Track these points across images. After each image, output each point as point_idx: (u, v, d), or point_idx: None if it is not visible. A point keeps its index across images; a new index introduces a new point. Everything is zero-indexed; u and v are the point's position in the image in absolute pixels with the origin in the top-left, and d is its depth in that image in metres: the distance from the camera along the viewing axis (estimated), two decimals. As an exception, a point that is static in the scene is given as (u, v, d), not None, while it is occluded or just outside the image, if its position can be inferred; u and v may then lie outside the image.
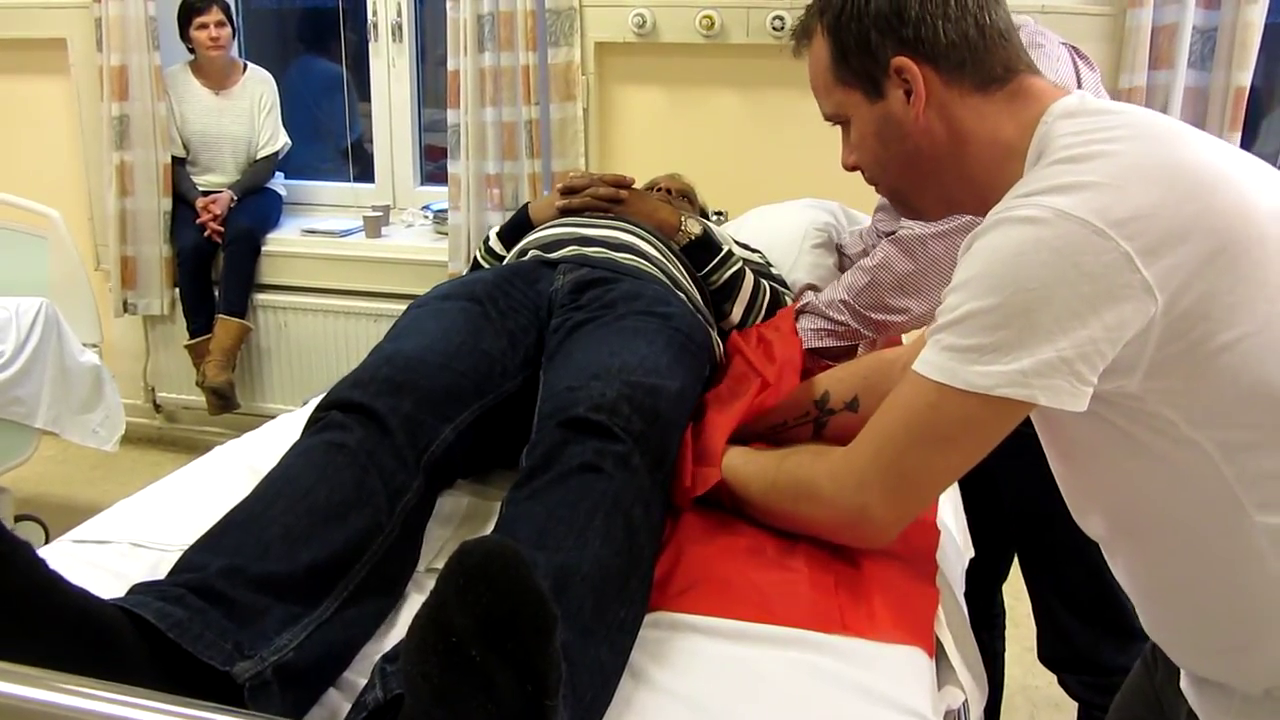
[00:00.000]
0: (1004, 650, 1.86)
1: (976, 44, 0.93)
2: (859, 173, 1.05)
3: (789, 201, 2.20)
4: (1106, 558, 0.99)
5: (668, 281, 1.56)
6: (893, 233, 1.92)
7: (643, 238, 1.65)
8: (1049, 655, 1.60)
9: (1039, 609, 1.58)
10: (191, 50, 3.22)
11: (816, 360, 1.58)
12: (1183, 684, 0.96)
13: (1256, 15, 2.43)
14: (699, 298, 1.65)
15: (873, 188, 1.07)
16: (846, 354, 1.58)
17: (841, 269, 1.98)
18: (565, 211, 1.78)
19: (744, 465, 1.18)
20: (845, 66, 0.99)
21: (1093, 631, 1.50)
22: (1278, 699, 0.86)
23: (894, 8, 0.94)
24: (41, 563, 0.77)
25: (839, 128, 1.05)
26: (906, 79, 0.94)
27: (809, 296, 1.63)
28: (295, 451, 1.09)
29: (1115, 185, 0.79)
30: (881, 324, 1.55)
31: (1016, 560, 1.67)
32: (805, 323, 1.59)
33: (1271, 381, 0.79)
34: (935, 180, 0.98)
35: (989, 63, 0.94)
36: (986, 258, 0.83)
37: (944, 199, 1.01)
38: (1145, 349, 0.79)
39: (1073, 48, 1.50)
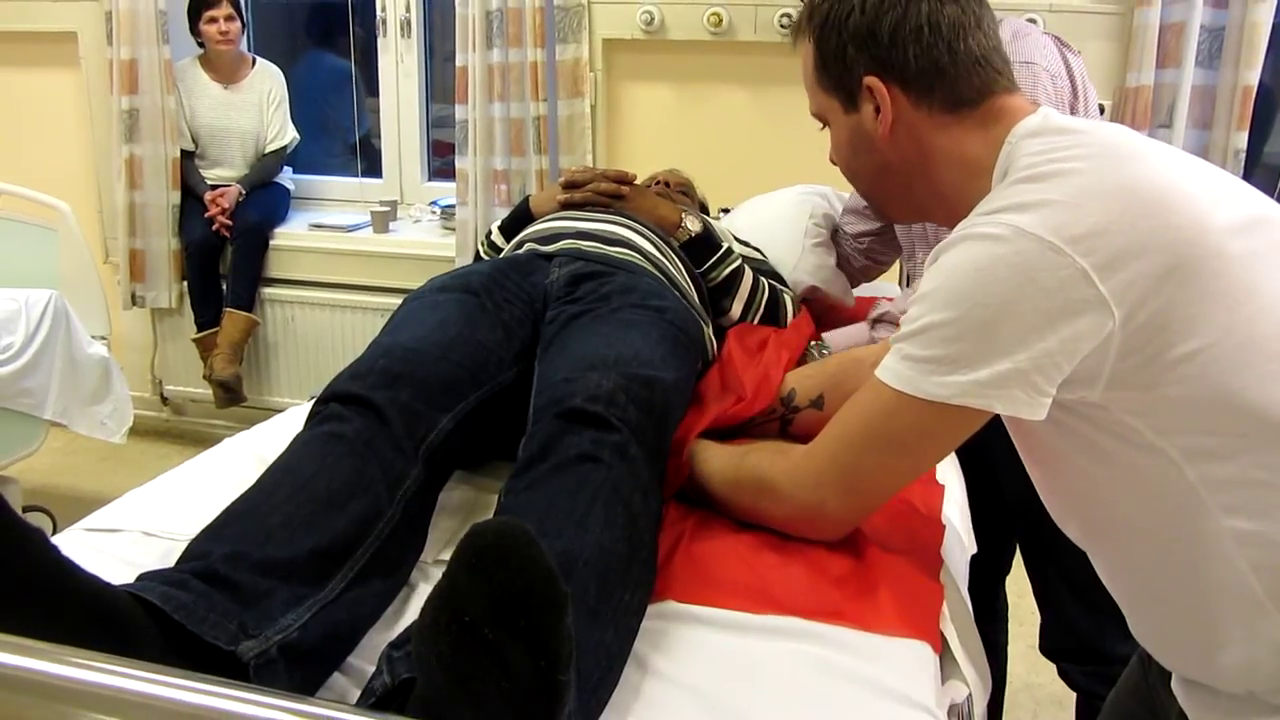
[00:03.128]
0: (1007, 643, 1.87)
1: (947, 70, 0.95)
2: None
3: (781, 190, 2.20)
4: (1092, 562, 1.00)
5: (662, 278, 1.56)
6: (864, 234, 1.95)
7: (641, 233, 1.66)
8: (1052, 646, 1.60)
9: (1045, 599, 1.59)
10: (201, 44, 3.24)
11: None
12: (1173, 684, 0.97)
13: (1264, 14, 2.43)
14: (694, 294, 1.65)
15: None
16: None
17: (841, 265, 1.99)
18: (566, 206, 1.79)
19: (708, 460, 1.20)
20: (825, 74, 1.02)
21: (1097, 619, 1.51)
22: (1261, 700, 0.87)
23: (869, 27, 0.96)
24: (55, 549, 0.78)
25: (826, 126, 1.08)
26: (876, 96, 0.97)
27: (884, 306, 1.65)
28: (295, 444, 1.10)
29: (1072, 203, 0.81)
30: None
31: (1019, 555, 1.68)
32: (883, 331, 1.61)
33: (1231, 390, 0.80)
34: (903, 192, 1.01)
35: (959, 87, 0.95)
36: (949, 272, 0.86)
37: (913, 208, 1.05)
38: (1105, 361, 0.81)
39: (1055, 37, 1.54)
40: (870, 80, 0.96)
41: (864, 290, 2.14)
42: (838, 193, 2.19)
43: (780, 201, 2.14)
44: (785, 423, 1.33)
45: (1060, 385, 0.83)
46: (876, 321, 1.63)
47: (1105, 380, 0.82)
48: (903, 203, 1.04)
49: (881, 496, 1.03)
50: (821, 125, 1.08)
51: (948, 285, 0.85)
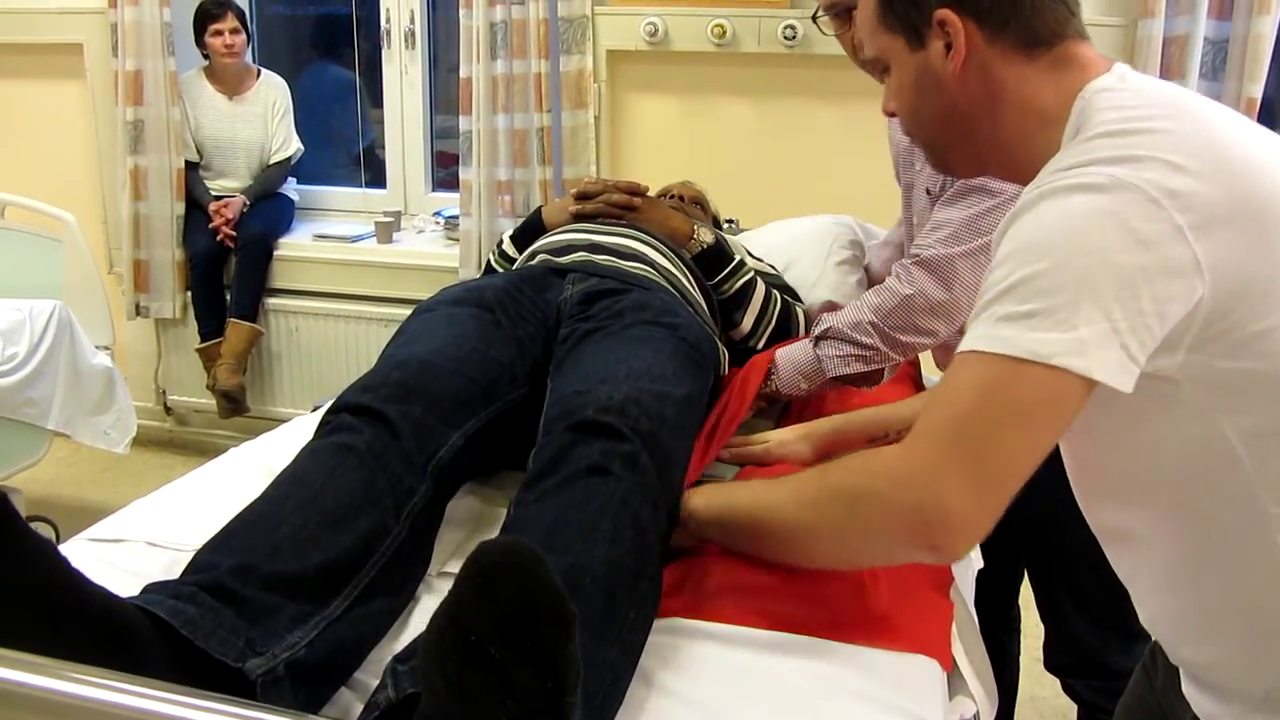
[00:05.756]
0: (1020, 653, 1.86)
1: (1023, 4, 0.91)
2: (895, 119, 1.02)
3: (807, 217, 2.20)
4: (1108, 548, 0.97)
5: (675, 292, 1.56)
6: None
7: (653, 246, 1.66)
8: (1057, 661, 1.60)
9: (1049, 615, 1.59)
10: (206, 56, 3.25)
11: (836, 385, 1.55)
12: (1185, 688, 0.96)
13: (1268, 27, 2.43)
14: (706, 308, 1.65)
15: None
16: (868, 379, 1.56)
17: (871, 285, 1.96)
18: (578, 217, 1.79)
19: (767, 491, 1.02)
20: (890, 11, 0.97)
21: (1101, 634, 1.51)
22: (1277, 701, 0.86)
23: None
24: (65, 561, 0.78)
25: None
26: (948, 31, 0.92)
27: (827, 321, 1.57)
28: (304, 453, 1.10)
29: (1166, 160, 0.78)
30: (909, 345, 1.52)
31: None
32: (829, 349, 1.53)
33: None
34: (967, 138, 0.96)
35: (1034, 25, 0.91)
36: (1037, 226, 0.81)
37: (975, 158, 0.99)
38: (1190, 328, 0.78)
39: None
40: (943, 13, 0.92)
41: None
42: (861, 222, 2.20)
43: (806, 226, 2.13)
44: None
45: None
46: (820, 339, 1.55)
47: (1185, 348, 0.79)
48: (964, 150, 0.98)
49: (1012, 486, 0.84)
50: (880, 72, 1.02)
51: (1041, 237, 0.80)
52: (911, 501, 0.85)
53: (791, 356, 1.57)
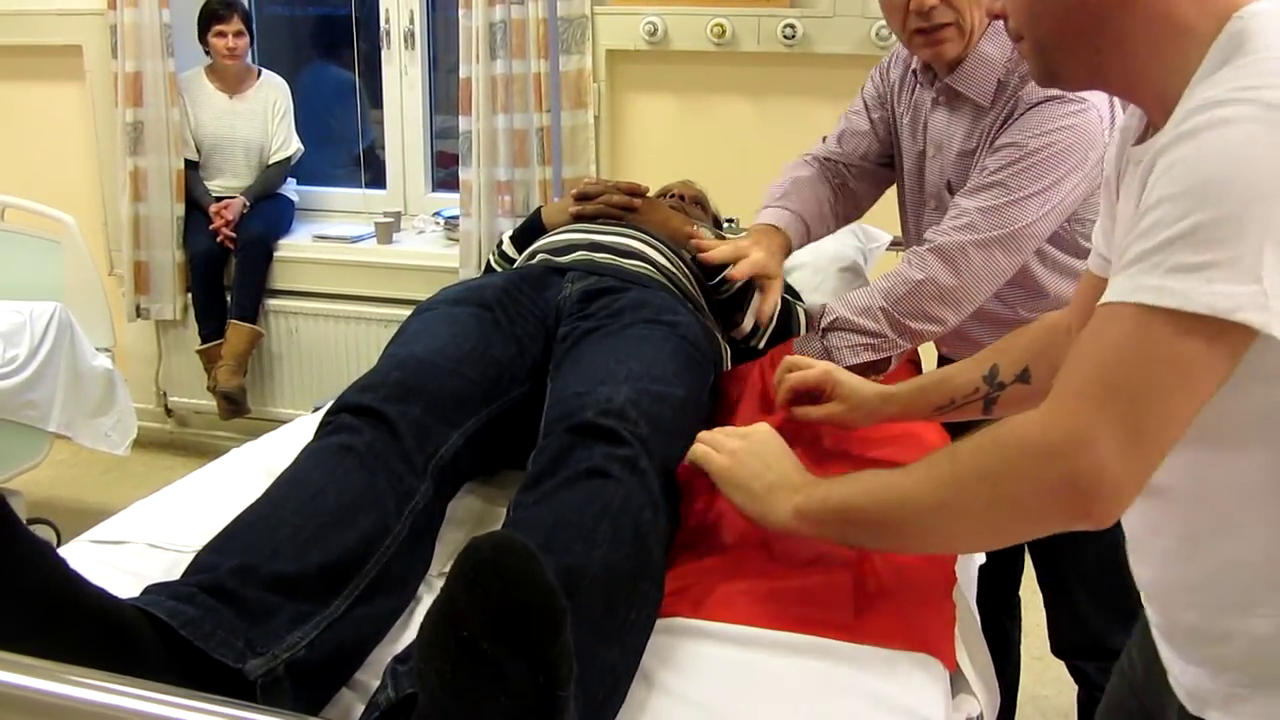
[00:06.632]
0: (1020, 640, 1.87)
1: None
2: (1001, 23, 0.94)
3: None
4: (1145, 505, 0.89)
5: (675, 290, 1.56)
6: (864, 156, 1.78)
7: (654, 246, 1.66)
8: (1066, 645, 1.60)
9: (1056, 598, 1.59)
10: (208, 53, 3.25)
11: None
12: (1171, 673, 0.92)
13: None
14: (707, 307, 1.65)
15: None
16: (875, 368, 1.56)
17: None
18: (579, 218, 1.79)
19: (888, 482, 0.95)
20: None
21: (1106, 614, 1.51)
22: (1270, 678, 0.83)
23: None
24: (63, 562, 0.78)
25: None
26: None
27: (834, 310, 1.53)
28: (304, 454, 1.10)
29: None
30: (917, 333, 1.51)
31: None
32: (837, 340, 1.52)
33: None
34: (1088, 42, 0.87)
35: None
36: (1216, 159, 0.73)
37: (1092, 66, 0.89)
38: None
39: None
40: None
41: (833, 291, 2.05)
42: (864, 227, 2.19)
43: None
44: (989, 402, 1.21)
45: None
46: (828, 330, 1.53)
47: None
48: (1081, 56, 0.89)
49: (1165, 447, 0.79)
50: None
51: (1218, 173, 0.72)
52: (1063, 472, 0.79)
53: (801, 353, 1.55)
